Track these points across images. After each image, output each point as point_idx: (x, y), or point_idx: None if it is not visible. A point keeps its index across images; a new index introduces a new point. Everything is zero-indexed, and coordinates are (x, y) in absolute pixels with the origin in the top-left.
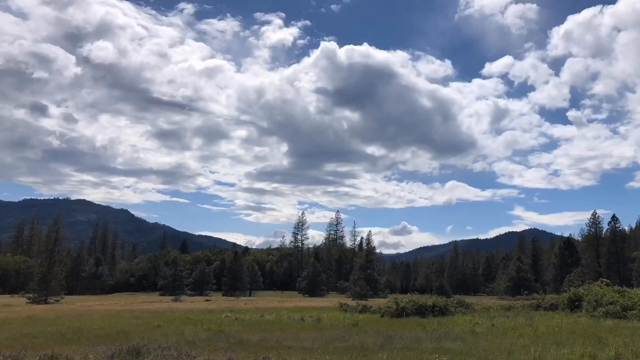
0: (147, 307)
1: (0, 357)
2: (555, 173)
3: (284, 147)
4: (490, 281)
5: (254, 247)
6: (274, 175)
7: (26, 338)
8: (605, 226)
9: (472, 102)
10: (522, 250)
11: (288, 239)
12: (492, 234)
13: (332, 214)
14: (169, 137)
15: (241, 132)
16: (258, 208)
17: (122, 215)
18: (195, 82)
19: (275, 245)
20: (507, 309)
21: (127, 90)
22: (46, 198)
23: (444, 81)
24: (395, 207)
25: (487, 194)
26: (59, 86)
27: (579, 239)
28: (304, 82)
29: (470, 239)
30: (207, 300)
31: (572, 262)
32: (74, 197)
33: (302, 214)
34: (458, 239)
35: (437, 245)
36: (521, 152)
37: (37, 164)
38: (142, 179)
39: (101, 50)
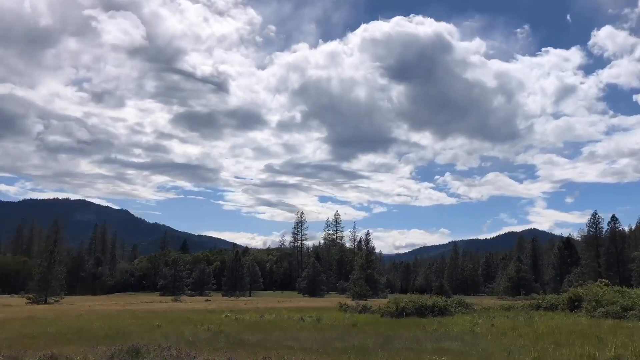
0: (147, 307)
1: (0, 357)
2: (610, 164)
3: (322, 134)
4: (490, 281)
5: (267, 246)
6: (302, 168)
7: (26, 338)
8: (605, 226)
9: (536, 80)
10: (522, 250)
11: (288, 239)
12: (505, 230)
13: (357, 212)
14: (196, 121)
15: (276, 117)
16: (276, 204)
17: (122, 215)
18: (229, 56)
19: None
20: (506, 309)
21: (154, 65)
22: (46, 198)
23: (513, 53)
24: (424, 205)
25: (526, 186)
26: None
27: (579, 239)
28: (351, 58)
29: (470, 239)
30: (207, 300)
31: (572, 262)
32: (79, 194)
33: (301, 214)
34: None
35: (437, 246)
36: (572, 143)
37: (45, 155)
38: (159, 174)
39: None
